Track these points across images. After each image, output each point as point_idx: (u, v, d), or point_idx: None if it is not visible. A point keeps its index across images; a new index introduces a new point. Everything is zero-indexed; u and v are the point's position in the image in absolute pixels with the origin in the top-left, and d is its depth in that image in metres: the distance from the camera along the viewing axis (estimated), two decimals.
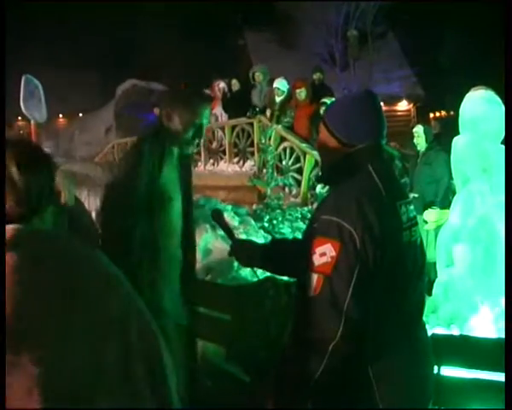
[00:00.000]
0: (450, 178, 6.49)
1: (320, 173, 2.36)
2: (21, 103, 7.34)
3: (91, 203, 7.21)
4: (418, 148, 7.38)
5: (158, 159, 2.79)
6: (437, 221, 6.62)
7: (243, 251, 2.64)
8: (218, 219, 2.75)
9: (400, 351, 2.07)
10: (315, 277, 1.98)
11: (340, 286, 1.94)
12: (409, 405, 2.08)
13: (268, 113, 10.47)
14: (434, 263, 5.24)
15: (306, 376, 2.00)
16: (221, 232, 6.42)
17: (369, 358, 2.02)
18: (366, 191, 2.04)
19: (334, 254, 1.95)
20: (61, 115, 31.97)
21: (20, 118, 28.41)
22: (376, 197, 2.03)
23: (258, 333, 3.31)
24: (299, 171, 9.55)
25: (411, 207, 2.18)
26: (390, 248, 1.99)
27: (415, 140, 7.36)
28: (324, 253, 1.96)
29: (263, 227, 7.74)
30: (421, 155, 7.30)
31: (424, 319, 2.32)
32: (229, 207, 8.31)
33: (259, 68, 11.41)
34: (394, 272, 2.03)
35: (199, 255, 5.46)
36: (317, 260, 1.98)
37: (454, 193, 7.11)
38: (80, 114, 28.53)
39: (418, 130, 7.38)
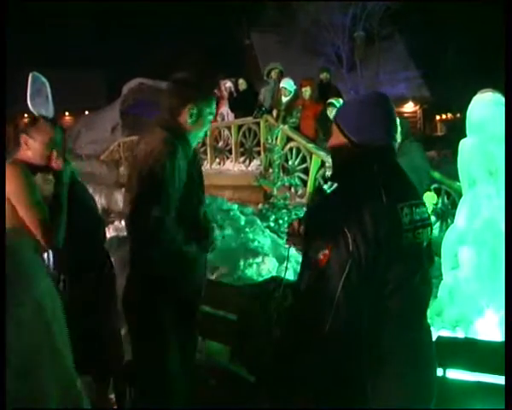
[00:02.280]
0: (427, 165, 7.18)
1: (332, 173, 2.39)
2: (28, 101, 7.32)
3: (96, 201, 7.24)
4: None
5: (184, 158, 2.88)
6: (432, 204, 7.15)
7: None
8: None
9: (400, 351, 2.08)
10: (309, 272, 2.06)
11: (331, 281, 1.99)
12: (409, 406, 2.09)
13: (274, 113, 10.47)
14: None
15: (301, 367, 2.05)
16: (227, 232, 6.47)
17: (369, 357, 2.04)
18: (365, 192, 2.08)
19: (327, 251, 2.00)
20: (67, 113, 32.07)
21: (26, 115, 28.54)
22: (374, 199, 2.06)
23: (263, 333, 3.31)
24: (306, 171, 9.54)
25: (420, 209, 2.18)
26: (386, 248, 2.02)
27: None
28: (318, 249, 2.02)
29: (269, 227, 7.75)
30: (398, 147, 7.37)
31: (429, 321, 2.33)
32: (236, 206, 8.32)
33: (276, 66, 11.37)
34: (394, 273, 2.05)
35: None
36: (312, 256, 2.05)
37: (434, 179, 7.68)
38: (86, 112, 28.58)
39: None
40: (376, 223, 2.00)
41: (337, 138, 2.24)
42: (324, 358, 2.06)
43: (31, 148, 3.24)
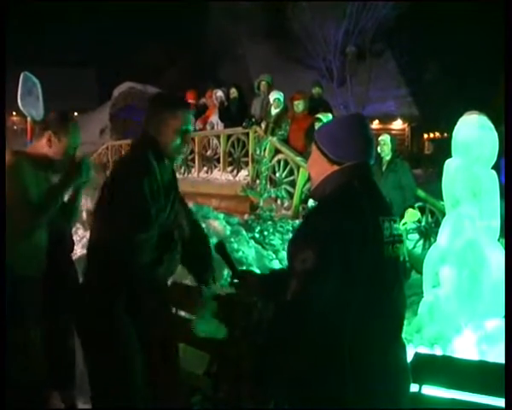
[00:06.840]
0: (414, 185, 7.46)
1: (311, 190, 2.45)
2: (19, 101, 7.28)
3: (83, 203, 7.22)
4: (382, 155, 7.49)
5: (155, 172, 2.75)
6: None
7: (244, 283, 2.73)
8: (221, 251, 2.77)
9: (374, 364, 2.12)
10: (294, 282, 2.08)
11: (312, 290, 2.05)
12: None
13: (263, 124, 10.49)
14: None
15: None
16: (211, 241, 6.47)
17: (349, 360, 2.08)
18: (348, 205, 2.14)
19: (312, 260, 2.04)
20: None
21: (14, 113, 28.40)
22: (358, 211, 2.12)
23: (244, 342, 3.34)
24: (292, 184, 9.58)
25: (396, 225, 2.26)
26: (368, 259, 2.07)
27: (379, 148, 7.43)
28: (304, 259, 2.06)
29: (254, 238, 7.76)
30: (387, 163, 7.42)
31: (405, 338, 2.36)
32: (221, 215, 8.33)
33: (266, 78, 11.40)
34: (373, 283, 2.10)
35: None
36: (298, 266, 2.08)
37: (418, 198, 7.85)
38: (75, 113, 28.46)
39: (385, 138, 7.51)
40: (360, 233, 2.07)
41: (315, 155, 2.32)
42: (303, 364, 2.11)
43: (53, 146, 3.21)
